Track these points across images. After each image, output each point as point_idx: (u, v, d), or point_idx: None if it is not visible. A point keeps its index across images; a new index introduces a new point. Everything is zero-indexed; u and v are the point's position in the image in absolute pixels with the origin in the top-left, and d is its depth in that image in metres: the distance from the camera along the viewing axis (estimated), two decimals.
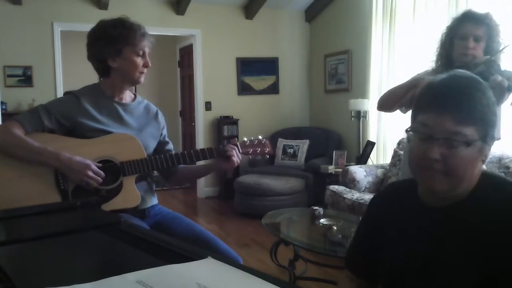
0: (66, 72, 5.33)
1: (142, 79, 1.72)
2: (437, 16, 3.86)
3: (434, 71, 2.09)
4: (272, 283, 0.64)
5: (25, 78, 4.90)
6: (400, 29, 4.34)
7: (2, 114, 4.31)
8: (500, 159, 3.10)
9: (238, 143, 1.76)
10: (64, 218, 1.11)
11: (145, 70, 1.71)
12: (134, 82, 1.73)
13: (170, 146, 1.90)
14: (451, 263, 0.93)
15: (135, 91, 1.92)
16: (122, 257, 0.84)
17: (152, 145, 1.80)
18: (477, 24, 1.93)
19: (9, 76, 4.84)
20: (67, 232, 0.95)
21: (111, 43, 1.64)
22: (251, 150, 1.78)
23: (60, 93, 4.92)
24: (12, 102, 4.84)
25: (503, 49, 1.93)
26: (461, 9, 3.51)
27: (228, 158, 1.71)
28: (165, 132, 1.90)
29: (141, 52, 1.67)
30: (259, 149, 1.79)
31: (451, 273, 0.92)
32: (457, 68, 1.94)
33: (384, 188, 1.23)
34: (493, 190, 0.96)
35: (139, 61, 1.68)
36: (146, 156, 1.66)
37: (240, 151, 1.75)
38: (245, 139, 1.81)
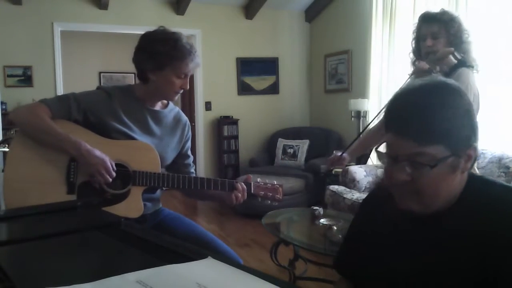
0: (66, 72, 5.33)
1: (176, 97, 1.72)
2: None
3: (411, 79, 2.12)
4: (272, 283, 0.64)
5: (25, 78, 4.90)
6: (400, 29, 4.34)
7: (2, 114, 4.31)
8: (500, 159, 3.10)
9: (252, 183, 1.72)
10: (64, 218, 1.11)
11: (181, 91, 1.69)
12: (166, 98, 1.74)
13: (190, 160, 1.86)
14: (442, 270, 0.90)
15: None
16: (122, 257, 0.84)
17: (171, 156, 1.78)
18: (430, 22, 2.03)
19: (9, 76, 4.85)
20: (67, 232, 0.94)
21: (155, 58, 1.60)
22: (263, 193, 1.74)
23: (60, 93, 4.93)
24: (12, 102, 4.84)
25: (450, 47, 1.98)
26: (461, 9, 3.52)
27: (235, 195, 1.67)
28: (188, 144, 1.86)
29: (182, 76, 1.65)
30: (271, 194, 1.74)
31: (443, 281, 0.90)
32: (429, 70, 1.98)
33: (372, 190, 1.19)
34: (480, 194, 0.92)
35: (178, 82, 1.65)
36: (160, 170, 1.64)
37: (252, 191, 1.71)
38: (259, 180, 1.76)
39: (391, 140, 0.90)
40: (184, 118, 1.85)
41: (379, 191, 1.13)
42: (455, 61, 1.90)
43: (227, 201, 1.70)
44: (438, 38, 2.00)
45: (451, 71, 1.90)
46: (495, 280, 0.84)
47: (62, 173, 1.59)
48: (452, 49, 1.93)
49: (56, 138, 1.54)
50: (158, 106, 1.77)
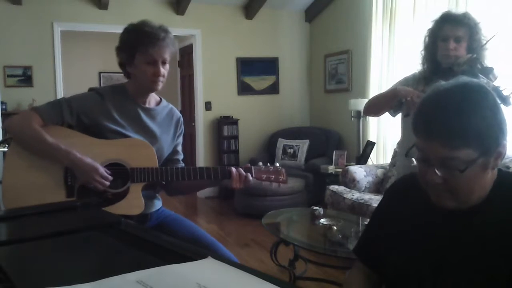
0: (66, 72, 5.33)
1: (158, 86, 1.65)
2: (437, 16, 3.86)
3: (421, 74, 2.10)
4: (272, 283, 0.64)
5: (25, 78, 4.90)
6: (400, 29, 4.34)
7: (2, 114, 4.31)
8: None
9: (252, 167, 1.68)
10: (64, 218, 1.10)
11: (159, 79, 1.63)
12: (148, 89, 1.69)
13: (179, 157, 1.85)
14: (471, 264, 0.91)
15: None
16: (122, 257, 0.84)
17: (167, 152, 1.78)
18: (456, 25, 1.95)
19: (9, 76, 4.84)
20: (67, 232, 0.94)
21: (125, 49, 1.62)
22: (265, 176, 1.69)
23: (60, 93, 4.93)
24: (12, 102, 4.84)
25: (484, 44, 1.93)
26: (461, 9, 3.51)
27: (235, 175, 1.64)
28: (180, 140, 1.85)
29: (152, 61, 1.60)
30: (274, 176, 1.70)
31: (465, 275, 0.91)
32: (443, 70, 1.94)
33: (402, 178, 1.20)
34: (509, 191, 0.94)
35: (149, 69, 1.61)
36: (157, 166, 1.64)
37: (253, 175, 1.66)
38: (260, 163, 1.72)
39: (422, 144, 0.92)
40: (178, 114, 1.85)
41: (408, 182, 1.13)
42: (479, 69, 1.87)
43: (225, 181, 1.67)
44: (461, 42, 1.94)
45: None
46: None
47: (59, 178, 1.59)
48: (471, 55, 1.89)
49: (47, 148, 1.55)
50: (151, 103, 1.76)
